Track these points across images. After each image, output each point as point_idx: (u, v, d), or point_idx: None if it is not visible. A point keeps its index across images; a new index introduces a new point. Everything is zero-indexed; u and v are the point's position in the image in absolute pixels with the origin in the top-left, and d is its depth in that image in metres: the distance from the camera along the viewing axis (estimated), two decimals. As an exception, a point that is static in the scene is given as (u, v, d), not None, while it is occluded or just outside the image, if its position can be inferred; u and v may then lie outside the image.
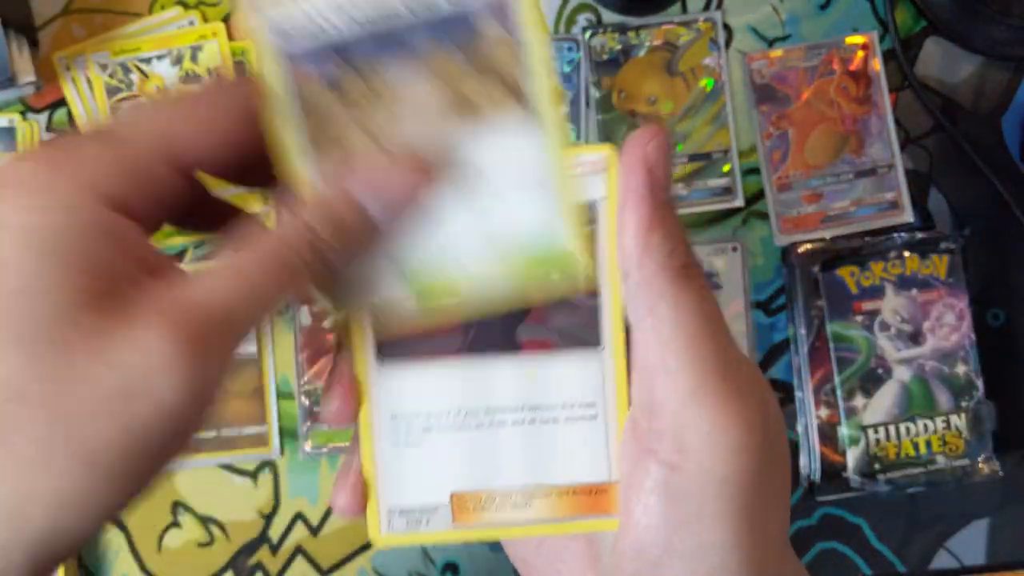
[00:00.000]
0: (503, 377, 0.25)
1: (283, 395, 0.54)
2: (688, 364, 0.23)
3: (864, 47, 0.56)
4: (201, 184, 0.24)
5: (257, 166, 0.25)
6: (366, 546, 0.54)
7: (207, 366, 0.20)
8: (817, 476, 0.52)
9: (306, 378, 0.54)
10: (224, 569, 0.54)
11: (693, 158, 0.56)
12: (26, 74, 0.52)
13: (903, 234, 0.54)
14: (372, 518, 0.25)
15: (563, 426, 0.25)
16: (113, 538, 0.53)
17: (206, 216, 0.27)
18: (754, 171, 0.56)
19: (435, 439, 0.25)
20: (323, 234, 0.22)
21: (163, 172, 0.22)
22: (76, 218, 0.20)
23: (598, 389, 0.25)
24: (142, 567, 0.53)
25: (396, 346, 0.25)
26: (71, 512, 0.20)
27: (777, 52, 0.56)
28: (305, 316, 0.54)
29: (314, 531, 0.54)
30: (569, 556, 0.27)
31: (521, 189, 0.24)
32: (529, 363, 0.25)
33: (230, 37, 0.56)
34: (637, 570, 0.24)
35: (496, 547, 0.54)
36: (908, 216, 0.56)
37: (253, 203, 0.28)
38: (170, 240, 0.54)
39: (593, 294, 0.25)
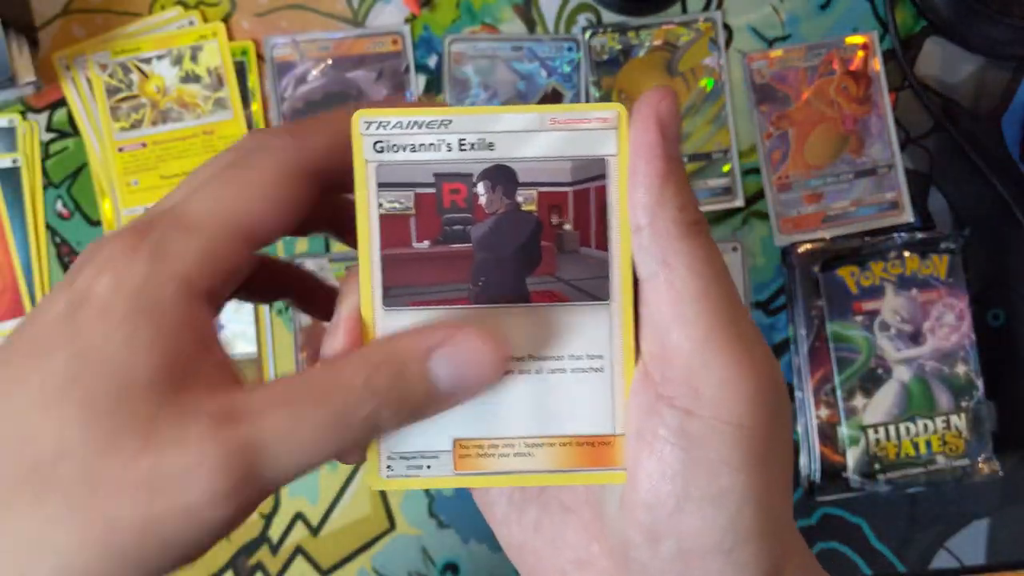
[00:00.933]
0: (511, 326, 0.25)
1: (283, 395, 0.54)
2: (702, 313, 0.23)
3: (864, 47, 0.56)
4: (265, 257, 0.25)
5: (321, 216, 0.26)
6: (366, 546, 0.54)
7: (240, 486, 0.21)
8: (817, 476, 0.52)
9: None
10: (224, 569, 0.54)
11: (693, 158, 0.56)
12: (26, 74, 0.52)
13: (903, 234, 0.54)
14: (372, 461, 0.25)
15: (570, 377, 0.25)
16: (113, 538, 0.53)
17: (270, 285, 0.28)
18: (754, 171, 0.56)
19: None
20: (386, 398, 0.22)
21: (241, 254, 0.23)
22: (160, 308, 0.21)
23: (606, 342, 0.25)
24: (142, 567, 0.53)
25: (403, 292, 0.25)
26: None
27: (777, 52, 0.56)
28: (305, 316, 0.54)
29: (314, 531, 0.54)
30: (569, 533, 0.27)
31: (584, 368, 0.25)
32: (537, 314, 0.25)
33: (230, 37, 0.56)
34: (652, 521, 0.23)
35: (496, 547, 0.54)
36: (908, 216, 0.56)
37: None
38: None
39: (602, 248, 0.25)
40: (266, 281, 0.29)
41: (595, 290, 0.25)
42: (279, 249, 0.55)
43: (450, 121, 0.24)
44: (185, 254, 0.22)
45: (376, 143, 0.24)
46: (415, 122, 0.24)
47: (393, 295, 0.25)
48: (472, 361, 0.23)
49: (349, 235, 0.28)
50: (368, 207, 0.24)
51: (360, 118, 0.24)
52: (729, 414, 0.23)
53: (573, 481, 0.25)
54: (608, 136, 0.24)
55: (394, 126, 0.24)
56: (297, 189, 0.24)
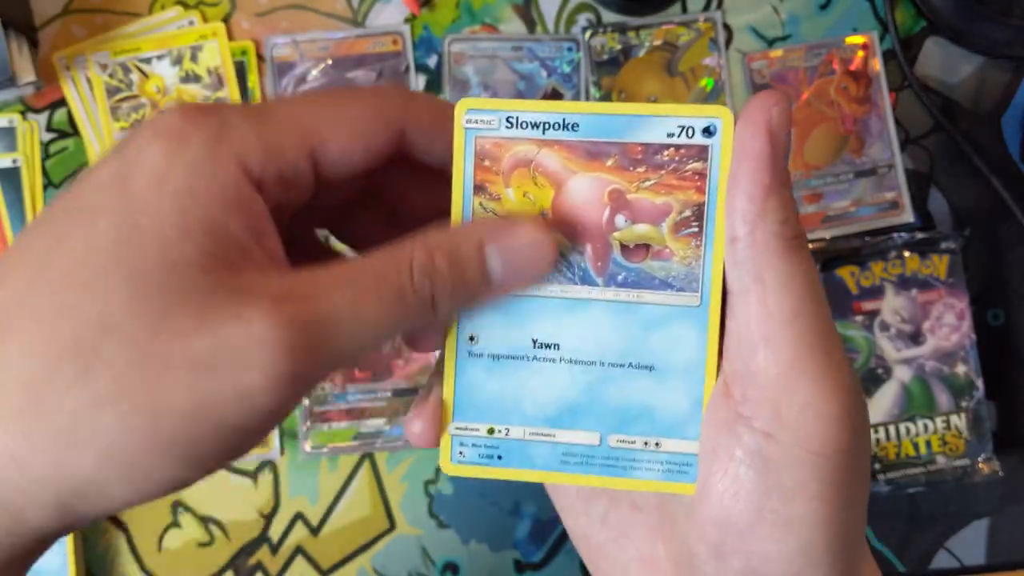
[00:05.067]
0: (597, 323, 0.25)
1: (283, 395, 0.54)
2: (792, 336, 0.22)
3: (864, 47, 0.56)
4: (324, 191, 0.24)
5: (377, 190, 0.26)
6: (366, 546, 0.54)
7: (302, 367, 0.20)
8: (817, 476, 0.52)
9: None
10: (224, 569, 0.54)
11: (693, 158, 0.56)
12: (26, 74, 0.52)
13: (903, 234, 0.54)
14: (444, 446, 0.25)
15: (651, 380, 0.25)
16: (113, 538, 0.53)
17: (329, 219, 0.27)
18: (754, 171, 0.56)
19: (519, 376, 0.25)
20: (443, 280, 0.22)
21: (302, 164, 0.22)
22: (217, 184, 0.20)
23: (693, 348, 0.24)
24: (142, 567, 0.53)
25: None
26: (114, 471, 0.19)
27: (777, 52, 0.56)
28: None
29: (314, 531, 0.54)
30: (636, 531, 0.26)
31: (671, 368, 0.24)
32: (627, 309, 0.25)
33: (230, 37, 0.56)
34: (721, 539, 0.23)
35: (496, 547, 0.54)
36: (908, 216, 0.56)
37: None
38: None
39: (695, 250, 0.24)
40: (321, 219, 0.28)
41: (686, 293, 0.24)
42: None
43: (577, 125, 0.24)
44: (247, 137, 0.21)
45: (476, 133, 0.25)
46: (534, 122, 0.24)
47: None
48: (525, 253, 0.23)
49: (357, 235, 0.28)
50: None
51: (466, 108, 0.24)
52: (810, 442, 0.22)
53: (644, 488, 0.25)
54: (711, 142, 0.24)
55: (507, 122, 0.24)
56: (381, 135, 0.24)
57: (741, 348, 0.23)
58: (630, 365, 0.25)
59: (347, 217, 0.28)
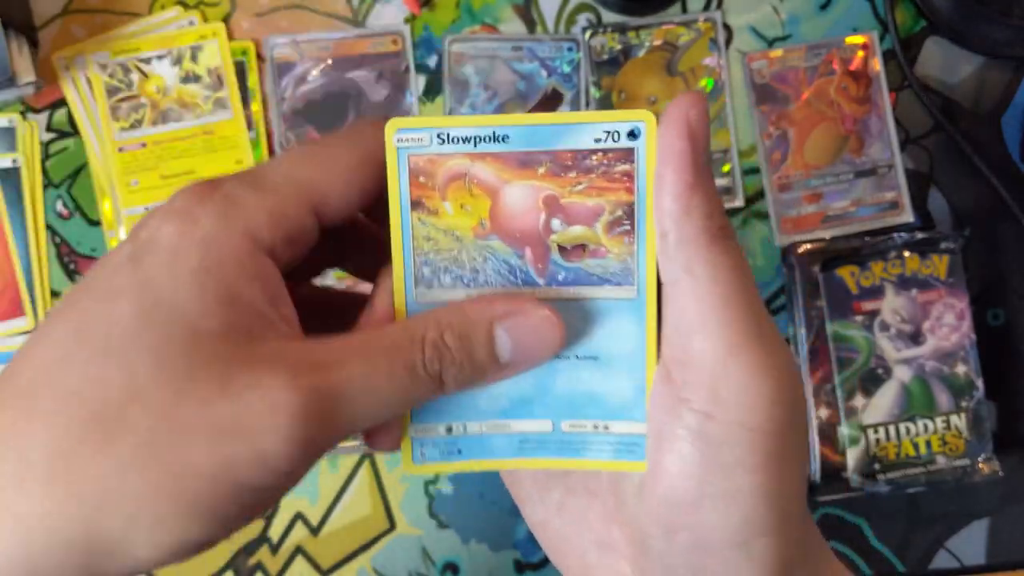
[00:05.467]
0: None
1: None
2: (725, 321, 0.23)
3: (864, 47, 0.56)
4: (330, 228, 0.25)
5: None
6: (366, 546, 0.54)
7: (316, 432, 0.21)
8: (817, 476, 0.52)
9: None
10: (224, 569, 0.54)
11: (693, 158, 0.56)
12: (26, 74, 0.52)
13: (903, 234, 0.54)
14: (405, 448, 0.26)
15: (598, 367, 0.26)
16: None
17: (330, 257, 0.29)
18: (754, 171, 0.56)
19: None
20: (453, 357, 0.23)
21: (307, 221, 0.24)
22: (230, 258, 0.22)
23: (633, 337, 0.26)
24: (142, 567, 0.53)
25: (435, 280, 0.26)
26: (140, 533, 0.20)
27: (777, 52, 0.56)
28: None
29: (314, 531, 0.54)
30: (591, 516, 0.28)
31: (615, 357, 0.26)
32: (572, 304, 0.26)
33: (230, 37, 0.56)
34: (670, 515, 0.24)
35: (496, 547, 0.54)
36: (908, 216, 0.56)
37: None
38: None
39: (628, 246, 0.25)
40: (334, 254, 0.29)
41: (623, 285, 0.25)
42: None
43: (507, 136, 0.25)
44: (253, 210, 0.22)
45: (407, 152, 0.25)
46: (465, 136, 0.25)
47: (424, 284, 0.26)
48: (534, 335, 0.24)
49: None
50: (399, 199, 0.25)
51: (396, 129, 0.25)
52: (747, 419, 0.23)
53: (598, 467, 0.26)
54: (635, 144, 0.25)
55: (437, 138, 0.25)
56: (372, 176, 0.25)
57: (678, 335, 0.24)
58: (576, 357, 0.26)
59: (342, 247, 0.29)
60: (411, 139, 0.25)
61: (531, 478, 0.29)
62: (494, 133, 0.25)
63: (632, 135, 0.25)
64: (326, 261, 0.29)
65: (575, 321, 0.26)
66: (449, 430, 0.26)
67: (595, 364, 0.26)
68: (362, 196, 0.25)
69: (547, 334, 0.24)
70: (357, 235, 0.28)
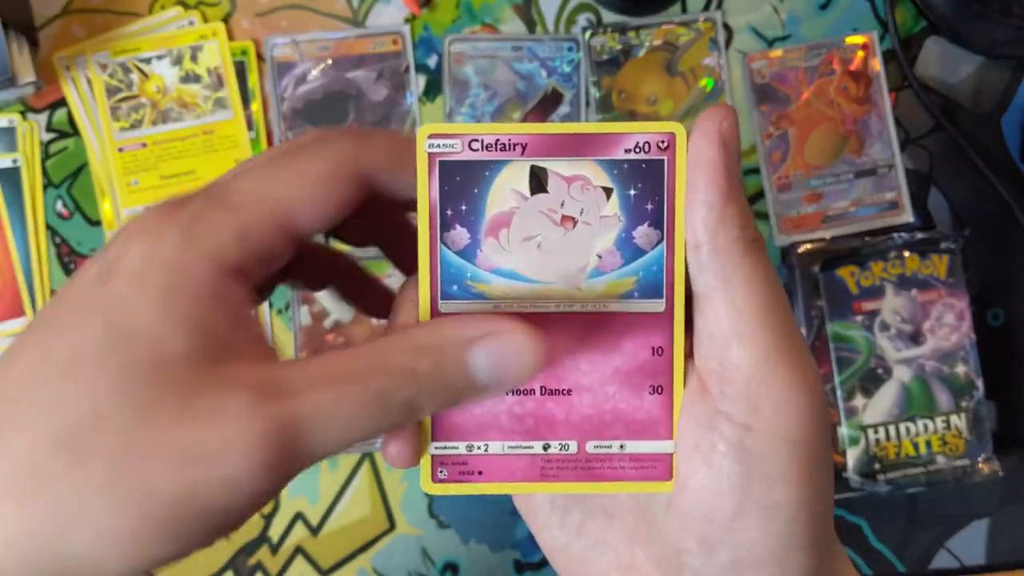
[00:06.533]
0: (569, 336, 0.25)
1: (283, 395, 0.54)
2: (761, 331, 0.23)
3: (864, 47, 0.56)
4: (307, 245, 0.25)
5: (364, 225, 0.26)
6: (366, 546, 0.54)
7: (281, 460, 0.21)
8: (817, 476, 0.52)
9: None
10: (224, 569, 0.54)
11: (693, 158, 0.56)
12: (26, 74, 0.52)
13: (903, 234, 0.54)
14: (424, 467, 0.26)
15: (624, 387, 0.25)
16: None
17: (309, 273, 0.28)
18: (754, 171, 0.56)
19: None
20: (426, 383, 0.22)
21: (276, 240, 0.23)
22: (193, 280, 0.21)
23: (661, 351, 0.25)
24: (142, 567, 0.53)
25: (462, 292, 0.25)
26: (109, 549, 0.20)
27: (777, 52, 0.56)
28: (305, 316, 0.54)
29: (314, 531, 0.54)
30: (612, 538, 0.27)
31: (641, 373, 0.25)
32: (595, 322, 0.25)
33: (230, 37, 0.56)
34: (708, 531, 0.24)
35: (496, 547, 0.54)
36: (908, 216, 0.56)
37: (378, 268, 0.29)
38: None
39: (657, 261, 0.25)
40: (314, 268, 0.29)
41: (652, 299, 0.25)
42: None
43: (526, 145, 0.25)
44: (218, 230, 0.22)
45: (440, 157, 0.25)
46: (493, 143, 0.25)
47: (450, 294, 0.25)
48: (511, 356, 0.23)
49: (398, 255, 0.29)
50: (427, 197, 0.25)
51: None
52: (787, 430, 0.23)
53: (622, 490, 0.26)
54: (664, 156, 0.25)
55: (458, 144, 0.25)
56: (344, 190, 0.24)
57: (714, 346, 0.24)
58: (601, 372, 0.25)
59: (390, 236, 0.29)
60: (442, 145, 0.25)
61: (549, 503, 0.28)
62: (525, 140, 0.25)
63: (662, 146, 0.25)
64: (299, 275, 0.29)
65: (601, 335, 0.25)
66: (470, 449, 0.26)
67: (621, 380, 0.25)
68: (336, 211, 0.24)
69: (526, 355, 0.23)
70: (325, 256, 0.28)
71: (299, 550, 0.54)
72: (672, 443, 0.25)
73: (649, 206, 0.25)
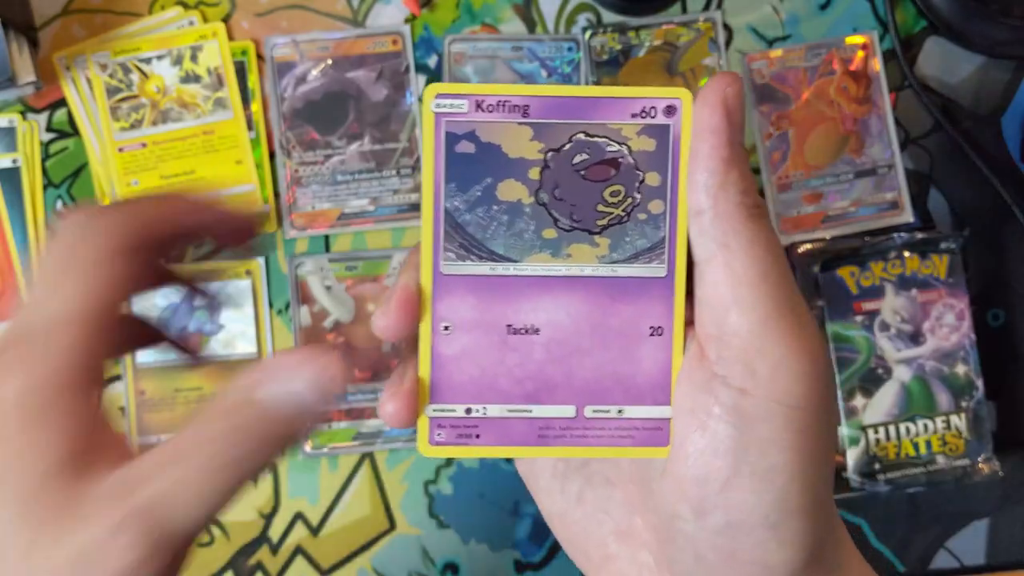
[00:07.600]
0: (571, 299, 0.25)
1: (283, 395, 0.54)
2: (761, 296, 0.23)
3: (864, 47, 0.56)
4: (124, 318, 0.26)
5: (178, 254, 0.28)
6: (366, 546, 0.54)
7: (150, 551, 0.22)
8: (817, 476, 0.52)
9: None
10: (224, 569, 0.54)
11: (693, 158, 0.56)
12: (26, 74, 0.52)
13: (903, 234, 0.54)
14: (421, 428, 0.26)
15: (623, 351, 0.26)
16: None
17: (139, 336, 0.30)
18: (754, 171, 0.56)
19: (495, 355, 0.25)
20: (239, 437, 0.23)
21: (99, 333, 0.24)
22: (49, 407, 0.23)
23: (661, 317, 0.25)
24: (142, 567, 0.53)
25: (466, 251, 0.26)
26: None
27: (777, 52, 0.56)
28: (305, 316, 0.54)
29: (314, 531, 0.54)
30: (611, 505, 0.27)
31: (641, 337, 0.25)
32: (598, 285, 0.25)
33: (230, 37, 0.56)
34: (701, 495, 0.24)
35: (496, 547, 0.54)
36: (908, 216, 0.56)
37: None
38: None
39: (657, 226, 0.25)
40: (142, 331, 0.30)
41: (654, 263, 0.25)
42: (279, 253, 0.55)
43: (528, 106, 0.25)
44: (41, 364, 0.23)
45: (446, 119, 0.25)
46: (499, 103, 0.25)
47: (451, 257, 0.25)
48: (292, 390, 0.23)
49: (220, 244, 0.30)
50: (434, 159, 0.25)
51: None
52: (783, 395, 0.23)
53: (619, 454, 0.26)
54: (670, 121, 0.25)
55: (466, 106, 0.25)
56: (129, 262, 0.25)
57: (713, 311, 0.24)
58: (603, 337, 0.25)
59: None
60: (449, 105, 0.25)
61: (550, 469, 0.28)
62: (532, 102, 0.25)
63: (669, 111, 0.25)
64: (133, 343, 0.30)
65: (603, 299, 0.25)
66: (469, 411, 0.26)
67: (621, 344, 0.25)
68: (139, 273, 0.25)
69: (302, 385, 0.23)
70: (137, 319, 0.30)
71: (299, 550, 0.54)
72: (670, 409, 0.25)
73: (654, 171, 0.25)
